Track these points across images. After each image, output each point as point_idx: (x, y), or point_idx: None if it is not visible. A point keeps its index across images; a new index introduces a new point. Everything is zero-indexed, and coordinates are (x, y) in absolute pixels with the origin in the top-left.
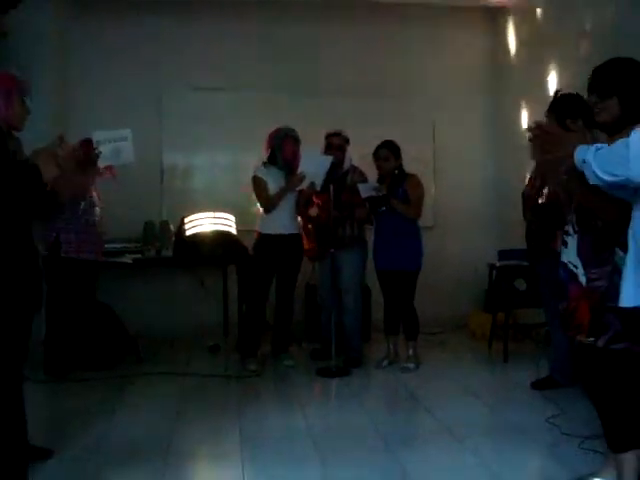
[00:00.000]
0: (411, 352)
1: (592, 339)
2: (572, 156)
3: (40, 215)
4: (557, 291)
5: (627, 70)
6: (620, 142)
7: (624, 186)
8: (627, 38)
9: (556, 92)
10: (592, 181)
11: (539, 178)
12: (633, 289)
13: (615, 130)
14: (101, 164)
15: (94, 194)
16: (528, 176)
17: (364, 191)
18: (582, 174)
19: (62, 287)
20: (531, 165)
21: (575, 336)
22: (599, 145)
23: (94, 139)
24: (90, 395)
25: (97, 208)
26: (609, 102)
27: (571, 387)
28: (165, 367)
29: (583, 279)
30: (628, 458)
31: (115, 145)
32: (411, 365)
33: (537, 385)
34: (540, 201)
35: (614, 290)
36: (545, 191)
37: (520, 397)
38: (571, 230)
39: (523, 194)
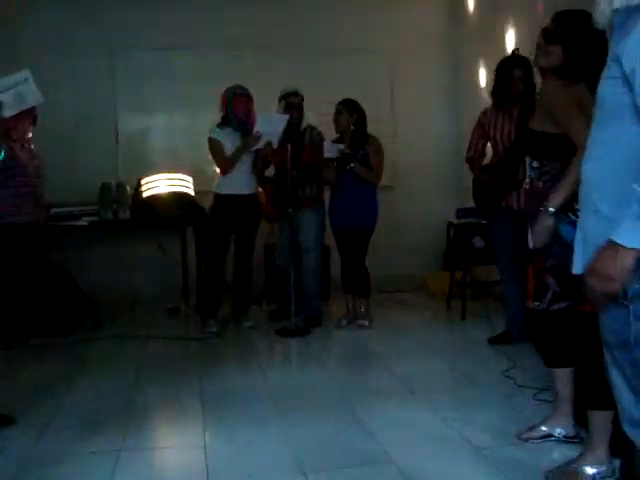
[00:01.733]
0: (363, 309)
1: (537, 303)
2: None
3: None
4: (512, 249)
5: (576, 19)
6: None
7: None
8: None
9: (513, 51)
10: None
11: (480, 140)
12: (579, 255)
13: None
14: (8, 113)
15: (19, 154)
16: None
17: (328, 151)
18: None
19: (7, 254)
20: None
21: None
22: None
23: None
24: (49, 361)
25: (29, 168)
26: (555, 47)
27: (525, 341)
28: (125, 330)
29: (531, 243)
30: (563, 372)
31: (16, 90)
32: (365, 322)
33: (494, 340)
34: (485, 162)
35: (552, 251)
36: (487, 152)
37: (477, 352)
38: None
39: (467, 158)
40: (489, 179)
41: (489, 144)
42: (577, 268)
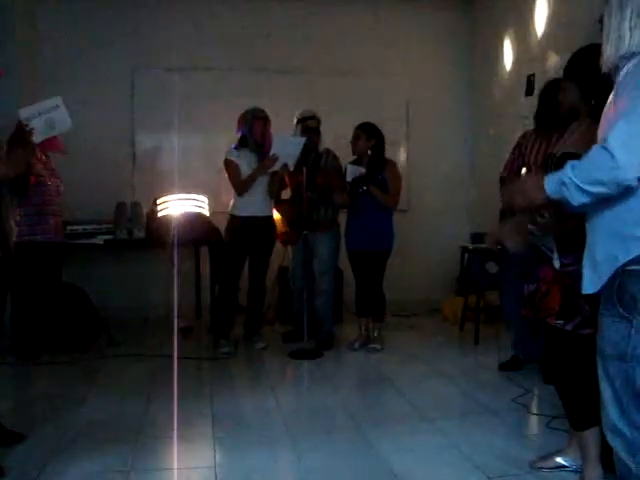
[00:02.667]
0: (376, 333)
1: (561, 322)
2: (541, 192)
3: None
4: (523, 272)
5: (586, 54)
6: (595, 147)
7: (605, 195)
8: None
9: (529, 77)
10: (576, 201)
11: (515, 162)
12: (590, 276)
13: (593, 116)
14: (38, 139)
15: (43, 175)
16: (506, 160)
17: (351, 173)
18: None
19: (24, 271)
20: (505, 150)
21: (545, 319)
22: (571, 164)
23: (21, 116)
24: (61, 378)
25: (50, 188)
26: (569, 84)
27: (533, 361)
28: (137, 349)
29: (557, 263)
30: (591, 433)
31: (48, 117)
32: (378, 346)
33: (504, 367)
34: None
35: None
36: (523, 173)
37: (489, 378)
38: (547, 214)
39: (501, 178)
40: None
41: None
42: (588, 288)
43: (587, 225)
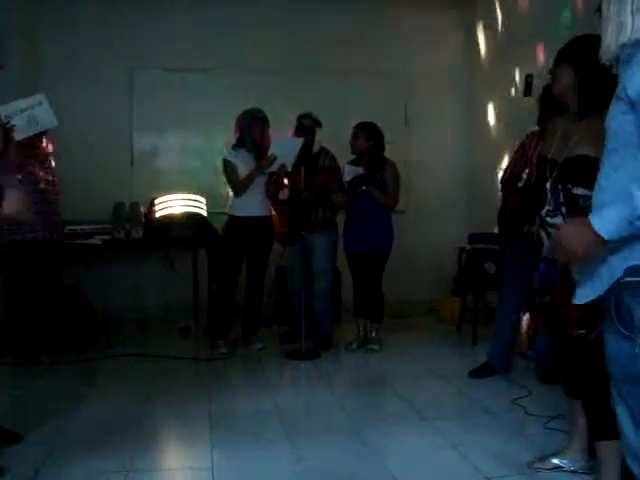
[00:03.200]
0: (374, 334)
1: (583, 331)
2: (596, 243)
3: None
4: (520, 283)
5: (581, 40)
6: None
7: None
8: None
9: (527, 77)
10: None
11: (518, 163)
12: (587, 286)
13: (582, 112)
14: (20, 135)
15: (37, 171)
16: (505, 162)
17: (348, 174)
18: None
19: (19, 270)
20: (505, 151)
21: (566, 330)
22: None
23: (1, 114)
24: (59, 378)
25: (41, 185)
26: (561, 68)
27: (505, 374)
28: (135, 349)
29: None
30: (606, 445)
31: (30, 113)
32: (376, 346)
33: (474, 373)
34: (520, 185)
35: None
36: (524, 176)
37: (487, 379)
38: (560, 222)
39: (502, 179)
40: (517, 202)
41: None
42: (583, 297)
43: None
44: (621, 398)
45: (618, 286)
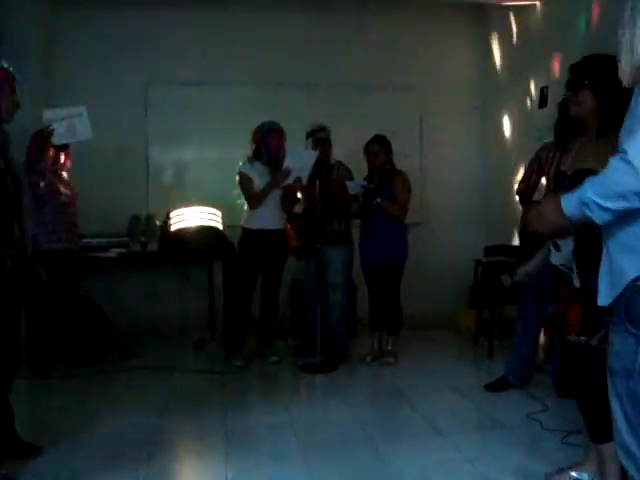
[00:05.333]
0: (390, 347)
1: (584, 338)
2: (561, 216)
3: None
4: (541, 295)
5: (599, 63)
6: (614, 162)
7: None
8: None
9: (542, 89)
10: (600, 219)
11: (534, 175)
12: (604, 288)
13: (602, 132)
14: (57, 140)
15: (54, 182)
16: (520, 174)
17: (352, 188)
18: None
19: (40, 281)
20: (520, 164)
21: (566, 336)
22: (588, 181)
23: (44, 117)
24: (75, 391)
25: (62, 197)
26: (581, 93)
27: (528, 389)
28: (150, 362)
29: (577, 282)
30: (608, 447)
31: (70, 122)
32: (391, 360)
33: (491, 387)
34: (537, 198)
35: None
36: (542, 189)
37: (504, 393)
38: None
39: (518, 190)
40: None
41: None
42: (603, 300)
43: (603, 235)
44: (616, 393)
45: (633, 288)
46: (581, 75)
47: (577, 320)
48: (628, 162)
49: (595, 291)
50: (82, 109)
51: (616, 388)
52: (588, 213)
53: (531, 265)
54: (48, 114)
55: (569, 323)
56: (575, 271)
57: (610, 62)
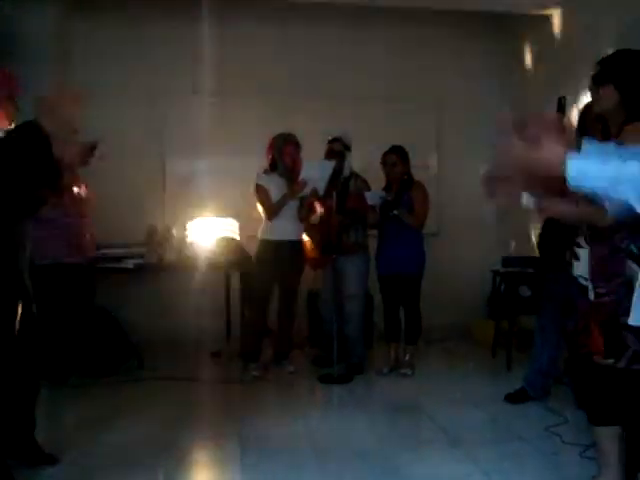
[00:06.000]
0: (408, 357)
1: (612, 360)
2: (558, 169)
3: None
4: (560, 306)
5: (623, 58)
6: None
7: None
8: None
9: (560, 99)
10: (623, 212)
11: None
12: (637, 308)
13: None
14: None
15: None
16: None
17: (371, 199)
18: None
19: (55, 292)
20: None
21: (589, 357)
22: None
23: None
24: (90, 401)
25: (70, 208)
26: (605, 89)
27: (546, 402)
28: (167, 373)
29: (591, 294)
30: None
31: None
32: (409, 371)
33: (510, 398)
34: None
35: (626, 305)
36: None
37: (522, 406)
38: (583, 242)
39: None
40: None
41: None
42: (635, 319)
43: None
44: None
45: None
46: (604, 69)
47: (599, 341)
48: None
49: (608, 306)
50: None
51: None
52: (611, 194)
53: None
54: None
55: (592, 345)
56: (590, 281)
57: (633, 56)
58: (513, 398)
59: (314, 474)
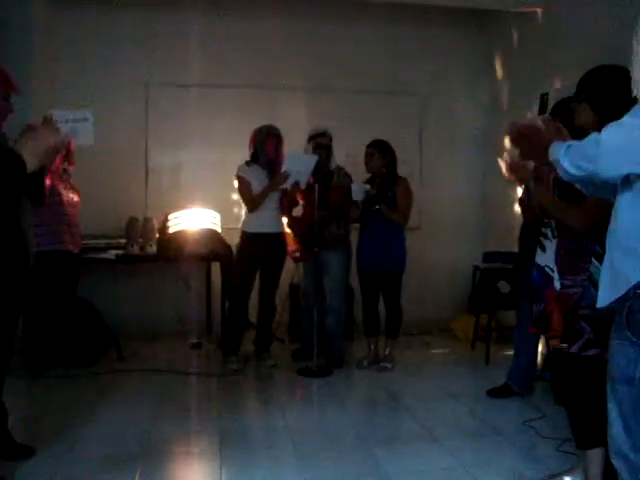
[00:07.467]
0: (388, 351)
1: (565, 345)
2: (545, 155)
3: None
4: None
5: (601, 75)
6: (592, 136)
7: (592, 182)
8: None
9: (542, 96)
10: (565, 177)
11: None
12: (603, 290)
13: None
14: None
15: (59, 184)
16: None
17: (356, 193)
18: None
19: (39, 281)
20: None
21: (550, 340)
22: (571, 142)
23: (54, 118)
24: (69, 392)
25: (64, 197)
26: (581, 106)
27: (526, 396)
28: (146, 364)
29: (557, 284)
30: (595, 453)
31: (73, 126)
32: (388, 364)
33: (493, 393)
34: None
35: (588, 298)
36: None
37: (500, 400)
38: (550, 234)
39: (520, 200)
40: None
41: None
42: (602, 301)
43: (607, 237)
44: (616, 400)
45: (633, 296)
46: (581, 88)
47: (559, 326)
48: (597, 143)
49: (573, 297)
50: (89, 114)
51: (616, 395)
52: (558, 168)
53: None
54: (56, 114)
55: (553, 327)
56: (556, 272)
57: (615, 73)
58: (496, 393)
59: (292, 468)
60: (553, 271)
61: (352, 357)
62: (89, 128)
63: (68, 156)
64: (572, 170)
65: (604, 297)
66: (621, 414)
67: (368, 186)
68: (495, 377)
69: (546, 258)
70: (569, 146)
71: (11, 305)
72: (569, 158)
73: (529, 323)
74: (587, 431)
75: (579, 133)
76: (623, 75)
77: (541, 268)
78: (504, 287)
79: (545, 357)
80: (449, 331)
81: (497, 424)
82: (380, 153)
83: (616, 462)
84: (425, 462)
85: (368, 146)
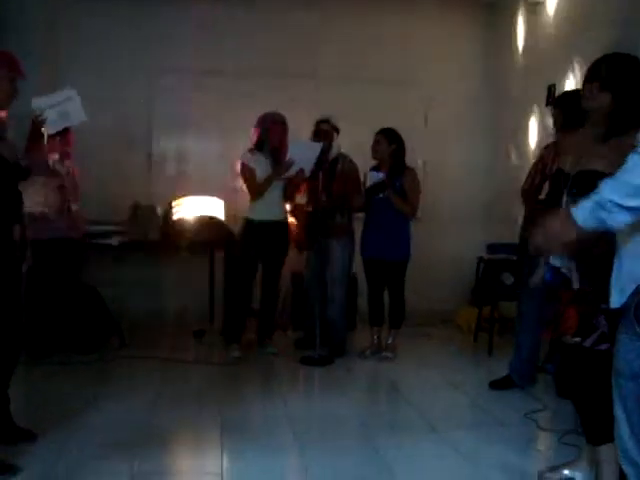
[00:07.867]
0: (390, 341)
1: (578, 339)
2: (573, 228)
3: None
4: (539, 293)
5: (619, 63)
6: (631, 157)
7: None
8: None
9: (549, 87)
10: (617, 222)
11: (538, 175)
12: (615, 291)
13: (610, 134)
14: (51, 130)
15: (57, 169)
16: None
17: (371, 179)
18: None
19: (39, 267)
20: (525, 160)
21: (561, 337)
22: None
23: (33, 106)
24: (72, 378)
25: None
26: (599, 90)
27: (527, 388)
28: (148, 351)
29: (576, 283)
30: (607, 449)
31: (61, 108)
32: (390, 354)
33: (495, 384)
34: (541, 197)
35: (607, 292)
36: (546, 187)
37: (501, 391)
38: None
39: (523, 190)
40: (539, 213)
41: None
42: (615, 302)
43: (617, 241)
44: (620, 395)
45: None
46: (598, 71)
47: (573, 321)
48: None
49: (592, 294)
50: (72, 92)
51: (621, 390)
52: (604, 216)
53: (540, 273)
54: (37, 102)
55: (567, 324)
56: (574, 271)
57: (629, 60)
58: (498, 385)
59: (293, 456)
60: (571, 270)
61: (354, 346)
62: (77, 105)
63: (67, 140)
64: (633, 202)
65: (616, 298)
66: (626, 411)
67: (383, 174)
68: (497, 369)
69: (562, 260)
70: (609, 184)
71: (12, 299)
72: (621, 194)
73: (534, 319)
74: (598, 426)
75: (581, 119)
76: (636, 63)
77: (556, 269)
78: (508, 279)
79: (548, 349)
80: (452, 322)
81: (498, 415)
82: (387, 140)
83: (626, 468)
84: (425, 451)
85: (377, 133)
